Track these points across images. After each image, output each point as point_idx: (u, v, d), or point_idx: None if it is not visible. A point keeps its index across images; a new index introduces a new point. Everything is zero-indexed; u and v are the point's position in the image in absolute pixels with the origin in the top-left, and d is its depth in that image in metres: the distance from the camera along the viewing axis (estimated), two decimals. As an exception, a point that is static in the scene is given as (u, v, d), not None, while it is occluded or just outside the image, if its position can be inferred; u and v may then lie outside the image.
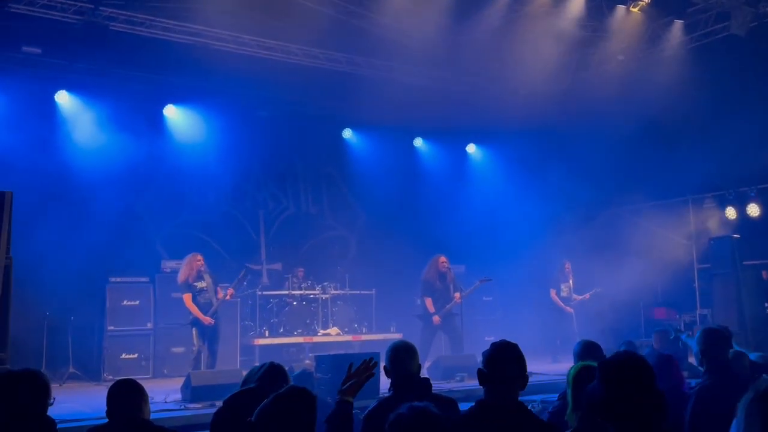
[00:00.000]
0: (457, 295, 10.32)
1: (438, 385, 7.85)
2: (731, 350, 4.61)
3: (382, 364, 3.96)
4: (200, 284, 9.19)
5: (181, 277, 9.25)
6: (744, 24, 10.50)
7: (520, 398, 3.27)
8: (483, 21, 10.73)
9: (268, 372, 4.23)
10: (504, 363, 3.17)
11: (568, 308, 11.74)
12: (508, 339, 3.36)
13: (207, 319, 8.99)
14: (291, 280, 12.03)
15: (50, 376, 9.88)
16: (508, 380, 3.15)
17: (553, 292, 11.81)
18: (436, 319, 10.27)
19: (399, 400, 2.82)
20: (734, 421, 2.25)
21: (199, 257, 9.32)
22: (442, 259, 10.47)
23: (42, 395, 3.12)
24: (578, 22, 11.19)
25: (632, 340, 8.68)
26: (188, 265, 9.24)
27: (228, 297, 9.39)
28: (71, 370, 10.05)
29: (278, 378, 4.30)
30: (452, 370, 9.40)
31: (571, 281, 11.91)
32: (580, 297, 11.86)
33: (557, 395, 4.36)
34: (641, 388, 2.52)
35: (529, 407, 5.66)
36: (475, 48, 11.16)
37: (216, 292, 9.29)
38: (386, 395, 3.87)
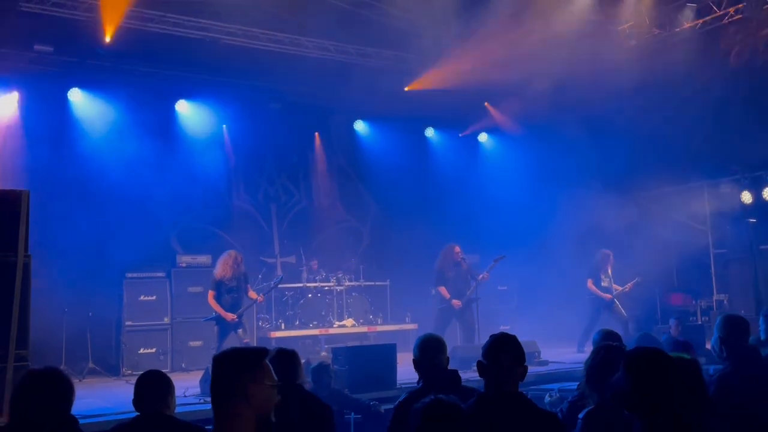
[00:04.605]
0: (486, 275, 10.42)
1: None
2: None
3: (410, 357, 3.98)
4: (232, 284, 9.01)
5: (214, 272, 9.13)
6: (758, 7, 10.39)
7: (537, 387, 3.29)
8: (493, 9, 10.66)
9: (274, 360, 3.98)
10: (502, 354, 3.22)
11: (606, 295, 11.08)
12: (525, 327, 3.39)
13: (230, 315, 8.86)
14: (306, 271, 12.06)
15: (70, 372, 9.99)
16: (507, 370, 3.20)
17: (589, 282, 11.21)
18: (456, 303, 10.30)
19: (428, 393, 2.85)
20: None
21: (236, 256, 9.13)
22: (456, 248, 10.55)
23: (65, 393, 3.16)
24: (588, 7, 11.10)
25: (649, 330, 8.57)
26: (223, 264, 9.05)
27: (259, 301, 9.47)
28: (90, 365, 10.16)
29: (289, 366, 4.09)
30: (469, 360, 9.37)
31: (610, 271, 11.28)
32: (621, 288, 11.25)
33: (576, 384, 4.34)
34: (668, 382, 2.51)
35: (546, 396, 5.70)
36: (486, 37, 11.09)
37: (246, 291, 9.22)
38: (416, 387, 3.92)
